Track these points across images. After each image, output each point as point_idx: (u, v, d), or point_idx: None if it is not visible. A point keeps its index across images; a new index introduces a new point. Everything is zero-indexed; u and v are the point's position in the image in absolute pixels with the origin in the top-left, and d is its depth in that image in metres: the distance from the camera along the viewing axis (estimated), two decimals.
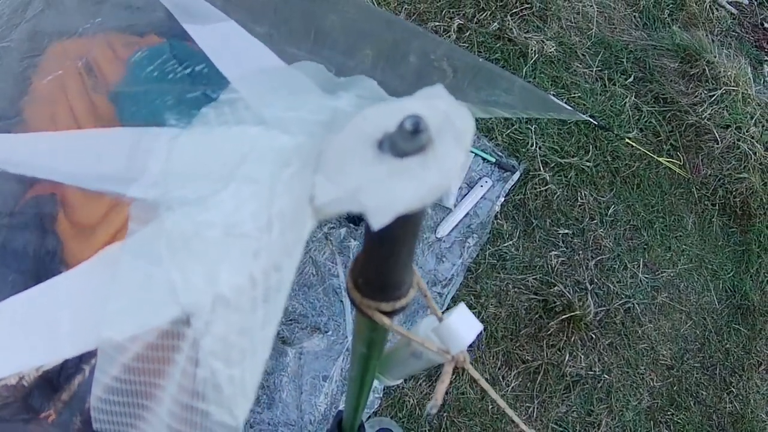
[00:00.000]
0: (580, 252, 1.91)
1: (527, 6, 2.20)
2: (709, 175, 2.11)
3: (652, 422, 1.80)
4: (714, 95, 2.14)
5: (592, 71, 2.19)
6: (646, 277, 1.94)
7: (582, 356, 1.78)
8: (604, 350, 1.82)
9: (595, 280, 1.89)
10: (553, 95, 2.03)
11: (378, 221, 0.29)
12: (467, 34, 2.12)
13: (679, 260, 2.00)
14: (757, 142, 2.10)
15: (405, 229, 0.33)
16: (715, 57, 2.21)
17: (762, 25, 2.57)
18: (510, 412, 0.49)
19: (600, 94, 2.15)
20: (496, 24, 2.15)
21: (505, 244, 1.86)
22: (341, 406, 1.54)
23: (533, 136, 1.99)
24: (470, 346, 0.46)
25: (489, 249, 1.84)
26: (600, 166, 2.03)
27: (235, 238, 0.35)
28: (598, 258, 1.92)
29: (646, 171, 2.07)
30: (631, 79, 2.21)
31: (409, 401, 1.62)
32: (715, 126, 2.11)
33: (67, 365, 0.51)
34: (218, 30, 0.64)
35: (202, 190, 0.38)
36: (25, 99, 0.66)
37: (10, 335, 0.46)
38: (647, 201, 2.04)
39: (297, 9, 0.73)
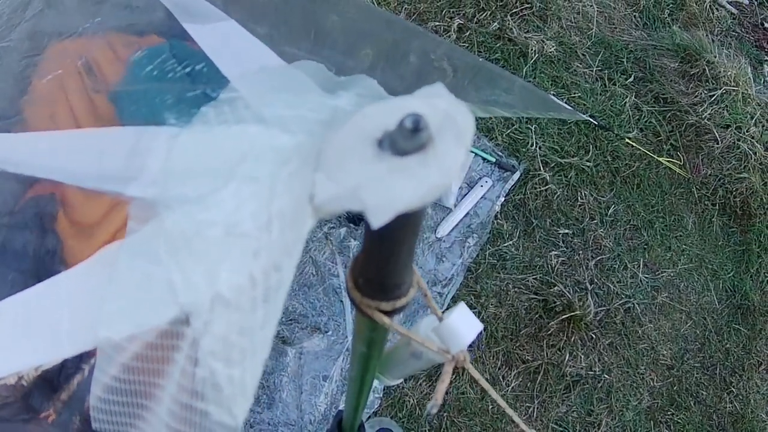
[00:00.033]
0: (580, 252, 1.91)
1: (527, 6, 2.20)
2: (709, 175, 2.11)
3: (652, 422, 1.80)
4: (714, 95, 2.14)
5: (592, 71, 2.19)
6: (646, 277, 1.94)
7: (582, 356, 1.78)
8: (604, 350, 1.82)
9: (595, 280, 1.89)
10: (553, 95, 2.03)
11: (378, 220, 0.29)
12: (467, 33, 2.12)
13: (679, 260, 2.00)
14: (757, 142, 2.10)
15: (405, 227, 0.33)
16: (715, 57, 2.21)
17: (762, 25, 2.57)
18: (510, 411, 0.49)
19: (600, 94, 2.15)
20: (496, 24, 2.15)
21: (505, 244, 1.86)
22: (341, 406, 1.54)
23: (533, 136, 1.99)
24: (470, 345, 0.46)
25: (489, 249, 1.84)
26: (600, 166, 2.03)
27: (234, 238, 0.35)
28: (598, 258, 1.92)
29: (646, 171, 2.07)
30: (631, 79, 2.21)
31: (409, 401, 1.62)
32: (715, 126, 2.11)
33: (66, 365, 0.51)
34: (218, 29, 0.64)
35: (202, 189, 0.38)
36: (24, 98, 0.65)
37: (10, 335, 0.46)
38: (647, 201, 2.04)
39: (297, 8, 0.73)
